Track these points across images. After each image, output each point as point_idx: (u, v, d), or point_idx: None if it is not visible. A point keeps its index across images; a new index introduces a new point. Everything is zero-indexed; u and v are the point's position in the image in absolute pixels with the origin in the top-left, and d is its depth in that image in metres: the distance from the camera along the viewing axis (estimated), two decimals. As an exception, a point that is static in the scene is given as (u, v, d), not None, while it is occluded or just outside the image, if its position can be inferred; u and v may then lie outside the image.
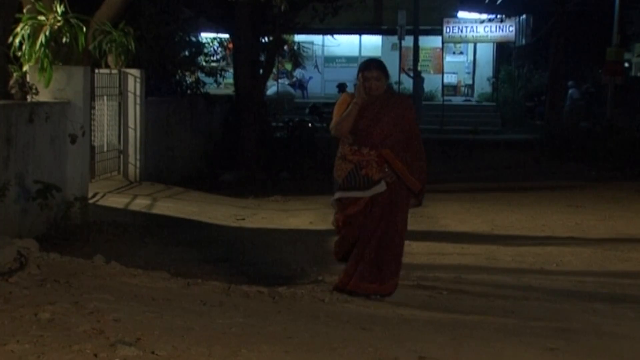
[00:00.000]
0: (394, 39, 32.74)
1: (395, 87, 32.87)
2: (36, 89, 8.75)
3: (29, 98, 8.77)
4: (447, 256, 8.80)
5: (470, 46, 36.12)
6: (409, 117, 6.50)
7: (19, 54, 8.68)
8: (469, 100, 35.52)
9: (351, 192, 6.39)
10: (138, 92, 12.85)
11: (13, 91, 8.69)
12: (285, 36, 22.42)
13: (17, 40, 8.58)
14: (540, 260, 8.56)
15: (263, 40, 19.23)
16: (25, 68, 8.76)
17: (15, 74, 8.70)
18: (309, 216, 11.47)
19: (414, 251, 9.01)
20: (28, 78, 8.85)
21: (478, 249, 9.17)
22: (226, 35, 22.10)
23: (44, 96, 8.88)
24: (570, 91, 27.00)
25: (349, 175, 6.39)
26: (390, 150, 6.40)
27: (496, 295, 6.83)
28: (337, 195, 6.45)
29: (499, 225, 10.93)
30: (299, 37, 29.13)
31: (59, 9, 8.68)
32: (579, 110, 26.77)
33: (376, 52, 35.75)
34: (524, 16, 35.41)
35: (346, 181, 6.40)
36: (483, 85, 36.18)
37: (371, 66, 6.46)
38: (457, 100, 35.08)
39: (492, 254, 8.90)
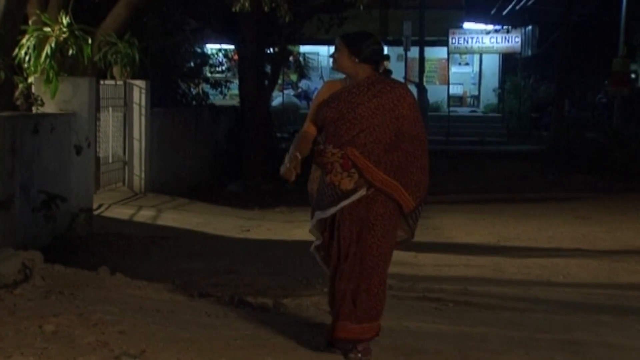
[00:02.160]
0: (400, 49, 32.73)
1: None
2: (41, 100, 8.75)
3: (34, 109, 8.77)
4: (453, 268, 8.77)
5: (476, 57, 36.10)
6: (402, 109, 4.83)
7: (25, 65, 8.69)
8: (474, 111, 35.48)
9: (327, 209, 4.86)
10: (143, 103, 12.85)
11: (18, 102, 8.70)
12: (291, 47, 22.46)
13: (22, 52, 8.59)
14: (546, 272, 8.52)
15: (268, 51, 19.25)
16: (31, 79, 8.77)
17: (20, 85, 8.71)
18: (314, 227, 11.43)
19: (420, 262, 8.99)
20: (33, 89, 8.86)
21: (484, 260, 9.13)
22: (231, 47, 22.13)
23: (49, 107, 8.88)
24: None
25: (321, 187, 4.90)
26: (365, 151, 4.78)
27: (502, 307, 6.80)
28: (318, 216, 4.94)
29: (505, 237, 10.89)
30: (304, 48, 29.16)
31: (65, 20, 8.69)
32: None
33: (382, 63, 35.78)
34: (530, 27, 35.38)
35: (320, 195, 4.91)
36: (489, 96, 36.15)
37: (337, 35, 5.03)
38: (463, 111, 35.05)
39: (499, 265, 8.86)
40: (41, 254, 6.86)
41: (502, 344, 5.37)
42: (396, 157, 4.81)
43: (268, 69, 19.22)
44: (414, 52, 31.42)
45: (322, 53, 33.37)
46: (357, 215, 4.82)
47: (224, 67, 22.25)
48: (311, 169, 4.97)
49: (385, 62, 4.96)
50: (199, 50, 19.43)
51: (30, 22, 9.23)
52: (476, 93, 36.79)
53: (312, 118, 4.95)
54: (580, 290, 7.75)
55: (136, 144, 12.91)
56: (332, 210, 4.85)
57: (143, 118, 12.91)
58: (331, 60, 4.98)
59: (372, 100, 4.83)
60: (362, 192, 4.81)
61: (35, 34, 8.67)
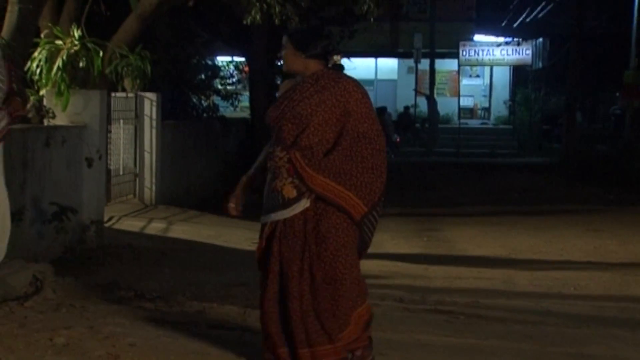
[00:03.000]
0: (410, 62, 32.81)
1: (411, 110, 32.94)
2: (53, 112, 8.77)
3: (45, 122, 8.79)
4: (464, 280, 8.74)
5: (487, 69, 36.14)
6: (349, 105, 4.31)
7: (36, 78, 8.72)
8: (485, 123, 35.48)
9: (266, 215, 4.45)
10: (154, 116, 12.88)
11: (30, 115, 8.72)
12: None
13: (34, 65, 8.62)
14: (558, 285, 8.48)
15: (279, 64, 19.29)
16: (42, 92, 8.79)
17: (32, 98, 8.72)
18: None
19: (431, 275, 8.97)
20: (45, 102, 8.88)
21: (495, 273, 9.10)
22: (242, 59, 22.17)
23: (60, 120, 8.90)
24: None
25: (268, 191, 4.46)
26: (308, 154, 4.31)
27: (514, 320, 6.75)
28: (261, 220, 4.53)
29: (516, 249, 10.85)
30: (342, 64, 29.16)
31: (76, 33, 8.72)
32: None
33: (392, 75, 35.85)
34: (541, 39, 35.39)
35: (266, 199, 4.48)
36: (499, 108, 36.15)
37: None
38: (474, 123, 35.05)
39: (510, 278, 8.83)
40: (52, 266, 6.86)
41: (513, 357, 5.34)
42: (336, 158, 4.28)
43: (279, 81, 19.25)
44: (424, 64, 31.49)
45: (341, 63, 33.35)
46: (303, 229, 4.33)
47: (234, 79, 22.29)
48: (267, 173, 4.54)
49: (336, 57, 4.51)
50: (209, 62, 19.47)
51: (42, 35, 9.26)
52: (487, 105, 36.82)
53: None
54: (592, 303, 7.71)
55: (147, 156, 12.93)
56: (273, 216, 4.40)
57: (154, 130, 12.93)
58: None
59: (314, 96, 4.33)
60: (305, 202, 4.32)
61: (47, 47, 8.69)
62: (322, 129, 4.30)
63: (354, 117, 4.32)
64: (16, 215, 7.34)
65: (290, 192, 4.35)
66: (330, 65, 4.44)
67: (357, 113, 4.32)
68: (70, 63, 8.67)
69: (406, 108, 33.01)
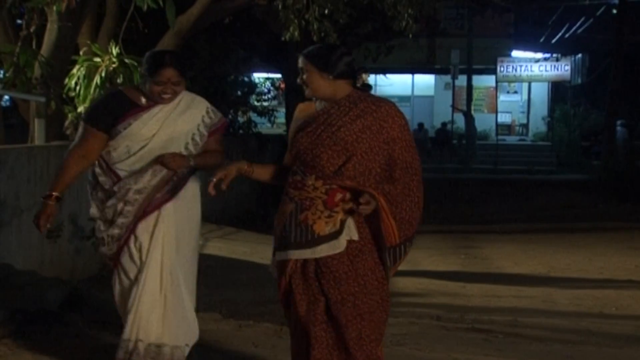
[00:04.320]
0: (447, 78, 32.71)
1: (448, 126, 32.83)
2: (90, 129, 8.81)
3: (83, 138, 8.83)
4: (503, 298, 8.64)
5: (525, 85, 35.93)
6: (392, 131, 3.97)
7: (74, 95, 8.78)
8: (523, 140, 35.24)
9: (285, 252, 4.01)
10: (191, 132, 12.90)
11: (68, 132, 8.78)
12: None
13: (72, 82, 8.68)
14: (599, 304, 8.36)
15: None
16: (80, 109, 8.84)
17: (70, 115, 8.79)
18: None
19: (469, 293, 8.89)
20: (83, 119, 8.93)
21: (534, 291, 9.00)
22: (278, 75, 22.22)
23: (98, 136, 8.95)
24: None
25: (289, 224, 4.00)
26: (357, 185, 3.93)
27: (553, 339, 6.67)
28: (280, 256, 4.07)
29: (555, 268, 10.73)
30: (371, 84, 29.17)
31: (114, 50, 8.78)
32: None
33: (429, 92, 35.76)
34: (580, 55, 35.14)
35: (284, 232, 4.03)
36: (538, 124, 35.90)
37: (299, 54, 4.21)
38: (512, 139, 34.83)
39: (549, 296, 8.72)
40: (89, 282, 6.89)
41: (554, 378, 5.26)
42: (397, 189, 3.94)
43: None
44: (461, 80, 31.37)
45: (369, 81, 33.37)
46: (338, 269, 3.94)
47: (270, 96, 22.36)
48: (282, 201, 4.09)
49: (364, 75, 4.16)
50: (246, 78, 19.54)
51: (81, 52, 9.33)
52: (525, 121, 36.59)
53: (289, 147, 4.16)
54: (633, 322, 7.58)
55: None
56: (303, 253, 3.96)
57: (191, 147, 12.95)
58: (305, 87, 4.10)
59: (356, 122, 3.96)
60: (343, 241, 3.92)
61: (85, 64, 8.75)
62: (368, 158, 3.93)
63: (400, 144, 3.97)
64: (54, 232, 7.39)
65: (322, 228, 3.93)
66: (359, 85, 4.10)
67: (402, 140, 3.97)
68: (109, 80, 8.72)
69: (443, 124, 32.90)
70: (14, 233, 6.95)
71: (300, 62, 4.08)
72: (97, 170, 4.45)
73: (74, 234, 7.90)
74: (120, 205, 4.39)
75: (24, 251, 7.06)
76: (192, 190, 4.62)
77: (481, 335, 6.66)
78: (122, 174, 4.39)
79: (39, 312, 5.82)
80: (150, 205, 4.41)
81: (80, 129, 4.45)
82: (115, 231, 4.43)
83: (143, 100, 4.40)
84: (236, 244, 11.74)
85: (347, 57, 4.08)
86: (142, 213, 4.40)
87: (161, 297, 4.40)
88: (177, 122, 4.42)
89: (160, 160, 4.35)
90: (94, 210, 4.52)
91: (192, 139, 4.49)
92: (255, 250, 11.46)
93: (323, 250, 3.92)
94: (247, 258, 10.83)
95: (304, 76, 4.05)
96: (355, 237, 3.92)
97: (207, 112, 4.55)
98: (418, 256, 11.54)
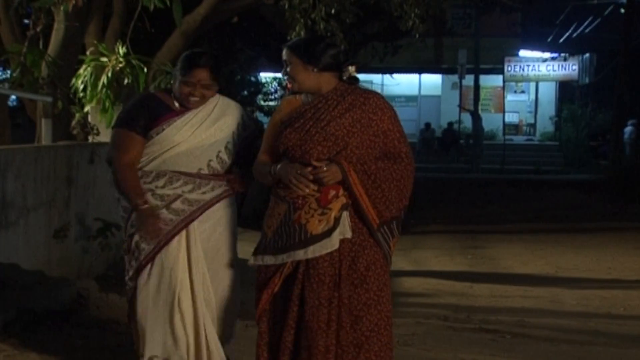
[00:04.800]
0: (454, 77, 32.66)
1: (455, 126, 32.78)
2: (97, 129, 8.82)
3: (90, 138, 8.85)
4: (510, 299, 8.62)
5: (532, 85, 35.87)
6: (383, 124, 3.90)
7: (81, 95, 8.78)
8: (530, 140, 35.18)
9: (280, 255, 3.87)
10: (198, 132, 12.89)
11: (75, 132, 8.78)
12: (345, 75, 22.46)
13: (79, 82, 8.68)
14: (606, 304, 8.33)
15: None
16: (87, 109, 8.85)
17: (77, 115, 8.79)
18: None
19: (476, 293, 8.87)
20: (89, 119, 8.94)
21: (541, 291, 8.97)
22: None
23: (104, 137, 8.94)
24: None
25: (281, 226, 3.89)
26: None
27: (561, 339, 6.65)
28: (252, 260, 4.03)
29: (562, 268, 10.70)
30: (358, 76, 29.15)
31: (121, 50, 8.78)
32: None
33: (436, 91, 35.72)
34: (588, 55, 35.06)
35: (277, 235, 3.91)
36: (545, 124, 35.83)
37: (283, 46, 4.05)
38: (519, 139, 34.78)
39: (556, 297, 8.70)
40: (96, 282, 6.88)
41: (562, 379, 5.24)
42: (377, 168, 3.84)
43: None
44: (468, 79, 31.33)
45: (375, 81, 33.36)
46: (334, 271, 3.80)
47: (277, 95, 22.37)
48: (271, 202, 3.99)
49: (350, 68, 4.03)
50: (252, 78, 19.55)
51: (87, 52, 9.34)
52: (532, 121, 36.53)
53: (266, 143, 4.05)
54: (641, 323, 7.56)
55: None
56: (295, 255, 3.81)
57: (198, 147, 12.95)
58: (289, 81, 4.01)
59: (345, 115, 3.85)
60: (336, 241, 3.78)
61: (92, 63, 8.75)
62: (359, 152, 3.84)
63: (391, 136, 3.90)
64: (61, 232, 7.39)
65: (315, 227, 3.78)
66: (345, 78, 3.98)
67: (394, 132, 3.91)
68: (115, 80, 8.72)
69: (450, 124, 32.86)
70: (20, 233, 6.95)
71: (284, 54, 3.98)
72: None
73: (81, 234, 7.89)
74: (164, 211, 4.13)
75: (30, 251, 7.06)
76: (223, 208, 4.29)
77: (488, 336, 6.64)
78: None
79: (45, 312, 5.82)
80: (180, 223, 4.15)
81: (115, 137, 4.21)
82: (144, 245, 4.15)
83: (176, 104, 4.19)
84: (243, 244, 11.62)
85: (332, 48, 3.99)
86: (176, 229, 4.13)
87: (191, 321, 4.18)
88: (209, 129, 4.17)
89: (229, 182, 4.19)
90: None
91: (226, 147, 4.22)
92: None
93: (316, 250, 3.78)
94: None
95: (288, 69, 3.96)
96: (349, 234, 3.81)
97: (242, 119, 4.31)
98: (425, 256, 11.52)
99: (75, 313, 6.06)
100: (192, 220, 4.14)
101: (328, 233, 3.79)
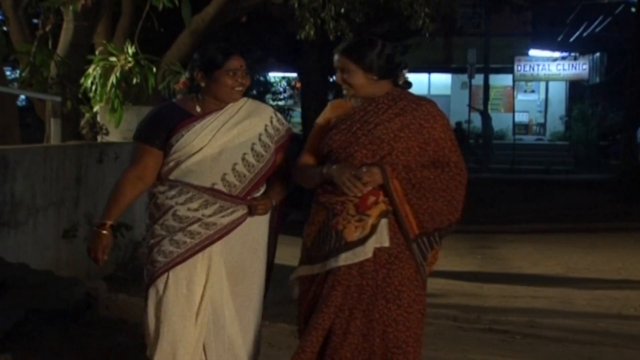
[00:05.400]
0: (464, 77, 32.63)
1: (464, 126, 32.73)
2: (106, 129, 8.83)
3: (99, 138, 8.85)
4: (520, 299, 8.59)
5: (542, 84, 35.80)
6: (434, 131, 3.76)
7: (90, 94, 8.78)
8: (540, 139, 35.11)
9: (316, 265, 3.75)
10: (207, 132, 12.88)
11: (84, 132, 8.79)
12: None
13: (88, 81, 8.69)
14: (617, 305, 8.29)
15: (331, 79, 19.31)
16: (96, 108, 8.85)
17: (86, 115, 8.80)
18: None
19: (486, 294, 8.84)
20: (99, 118, 8.95)
21: (552, 292, 8.94)
22: (294, 74, 22.22)
23: (113, 136, 8.95)
24: None
25: (320, 233, 3.75)
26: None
27: (572, 340, 6.62)
28: (297, 272, 3.88)
29: (573, 268, 10.66)
30: (411, 81, 29.16)
31: (130, 50, 8.78)
32: None
33: (446, 91, 35.68)
34: (598, 54, 34.96)
35: (315, 244, 3.78)
36: (555, 123, 35.76)
37: (335, 50, 3.87)
38: (529, 139, 34.72)
39: (567, 297, 8.66)
40: (105, 282, 6.88)
41: (572, 380, 5.21)
42: (423, 176, 3.70)
43: (330, 96, 19.26)
44: (478, 79, 31.28)
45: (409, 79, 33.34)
46: (363, 279, 3.65)
47: (286, 95, 22.39)
48: (312, 209, 3.85)
49: (404, 72, 3.93)
50: (262, 78, 19.56)
51: (96, 52, 9.34)
52: (542, 121, 36.46)
53: (310, 146, 3.90)
54: (652, 323, 7.52)
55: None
56: (330, 264, 3.66)
57: (207, 146, 12.95)
58: (345, 87, 3.85)
59: (394, 120, 3.72)
60: (371, 248, 3.63)
61: (101, 63, 8.76)
62: (405, 158, 3.69)
63: (443, 145, 3.75)
64: (70, 232, 7.39)
65: (351, 234, 3.64)
66: (400, 83, 3.88)
67: (446, 140, 3.76)
68: (124, 79, 8.73)
69: (458, 124, 32.79)
70: (29, 233, 6.94)
71: (340, 61, 3.81)
72: (158, 188, 3.96)
73: (90, 234, 7.90)
74: (179, 234, 3.87)
75: (39, 251, 7.06)
76: (251, 225, 3.97)
77: (498, 336, 6.62)
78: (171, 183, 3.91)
79: (54, 312, 5.81)
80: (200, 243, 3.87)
81: (134, 149, 4.01)
82: (159, 258, 3.94)
83: (198, 109, 3.90)
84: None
85: (388, 49, 3.83)
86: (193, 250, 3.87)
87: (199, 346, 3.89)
88: (232, 130, 3.88)
89: (251, 209, 3.86)
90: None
91: (252, 149, 3.89)
92: (288, 253, 11.42)
93: (348, 258, 3.63)
94: (277, 261, 10.79)
95: (345, 76, 3.81)
96: (386, 243, 3.64)
97: (272, 121, 3.97)
98: (435, 256, 11.48)
99: (84, 313, 6.06)
100: (209, 245, 3.85)
101: (362, 241, 3.63)
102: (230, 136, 3.87)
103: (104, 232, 3.94)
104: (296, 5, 9.97)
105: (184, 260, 3.86)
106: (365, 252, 3.63)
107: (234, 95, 3.90)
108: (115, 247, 8.00)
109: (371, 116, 3.75)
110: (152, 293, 3.95)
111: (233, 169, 3.86)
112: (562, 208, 18.08)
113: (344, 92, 3.88)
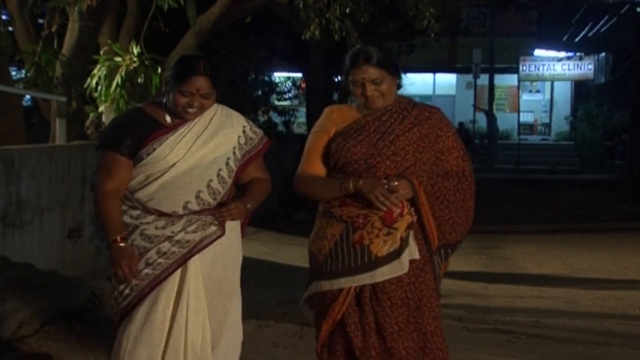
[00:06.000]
0: (469, 77, 32.58)
1: (467, 126, 32.69)
2: (111, 129, 8.83)
3: (104, 138, 8.86)
4: (525, 299, 8.57)
5: (547, 84, 35.73)
6: (448, 140, 3.74)
7: (95, 94, 8.80)
8: (546, 139, 35.05)
9: (336, 280, 3.59)
10: (212, 132, 12.88)
11: (89, 132, 8.80)
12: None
13: (93, 82, 8.70)
14: (622, 305, 8.27)
15: (336, 79, 19.31)
16: (101, 109, 8.86)
17: (91, 115, 8.81)
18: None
19: (491, 294, 8.83)
20: (103, 118, 8.96)
21: (557, 292, 8.92)
22: (299, 74, 22.21)
23: (119, 136, 8.96)
24: None
25: (336, 247, 3.62)
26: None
27: (577, 340, 6.60)
28: (312, 290, 3.72)
29: (578, 268, 10.64)
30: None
31: (135, 50, 8.78)
32: None
33: (450, 91, 35.64)
34: (603, 54, 34.90)
35: (330, 259, 3.63)
36: (560, 123, 35.69)
37: (360, 59, 3.67)
38: (534, 139, 34.66)
39: (572, 297, 8.64)
40: (110, 282, 6.88)
41: (578, 380, 5.20)
42: (444, 186, 3.69)
43: (335, 97, 19.25)
44: (483, 79, 31.24)
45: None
46: (403, 291, 3.58)
47: (291, 95, 22.38)
48: (320, 223, 3.74)
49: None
50: (267, 78, 19.56)
51: (101, 52, 9.35)
52: (547, 121, 36.39)
53: (316, 155, 3.74)
54: (658, 324, 7.50)
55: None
56: (360, 279, 3.55)
57: (212, 146, 12.95)
58: (367, 95, 3.66)
59: (413, 130, 3.64)
60: (405, 262, 3.56)
61: (106, 63, 8.77)
62: (427, 168, 3.64)
63: (456, 154, 3.73)
64: (75, 232, 7.40)
65: (380, 248, 3.54)
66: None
67: (457, 149, 3.74)
68: (129, 79, 8.73)
69: (460, 124, 32.73)
70: (35, 232, 6.96)
71: (378, 73, 3.63)
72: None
73: (95, 234, 7.90)
74: (151, 254, 3.63)
75: (45, 251, 7.07)
76: (226, 239, 3.78)
77: (503, 336, 6.61)
78: (141, 203, 3.65)
79: (59, 312, 5.82)
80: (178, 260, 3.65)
81: (99, 160, 3.70)
82: (134, 280, 3.65)
83: (168, 119, 3.67)
84: (256, 244, 11.72)
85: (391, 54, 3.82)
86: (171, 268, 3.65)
87: None
88: (208, 145, 3.66)
89: (217, 216, 3.67)
90: None
91: (227, 164, 3.70)
92: (275, 250, 11.43)
93: (385, 273, 3.54)
94: (268, 258, 10.80)
95: (383, 87, 3.66)
96: (417, 255, 3.59)
97: (245, 132, 3.79)
98: (440, 256, 11.47)
99: (89, 313, 6.07)
100: (183, 263, 3.63)
101: (396, 254, 3.56)
102: (206, 151, 3.66)
103: (121, 244, 3.61)
104: (301, 6, 9.96)
105: (159, 282, 3.62)
106: (403, 266, 3.56)
107: (185, 115, 3.64)
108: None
109: (389, 126, 3.65)
110: (126, 319, 3.69)
111: (208, 186, 3.66)
112: (567, 208, 18.05)
113: (356, 100, 3.73)
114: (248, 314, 6.98)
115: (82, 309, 6.12)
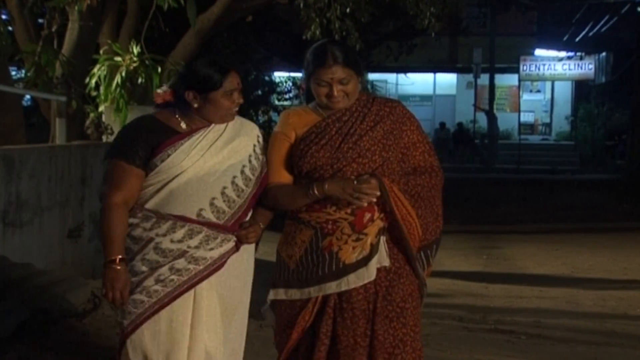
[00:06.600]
0: (469, 77, 32.60)
1: (470, 125, 32.70)
2: (111, 129, 8.83)
3: (104, 138, 8.86)
4: (525, 299, 8.57)
5: (548, 84, 35.73)
6: (412, 135, 3.58)
7: (95, 94, 8.79)
8: (546, 139, 35.06)
9: (306, 289, 3.49)
10: (213, 132, 12.88)
11: (89, 131, 8.79)
12: (360, 75, 22.49)
13: (93, 81, 8.69)
14: (623, 305, 8.27)
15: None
16: (101, 108, 8.86)
17: (91, 115, 8.80)
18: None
19: (491, 294, 8.82)
20: (104, 118, 8.95)
21: (557, 292, 8.92)
22: (299, 74, 22.19)
23: (119, 136, 8.96)
24: None
25: (307, 255, 3.51)
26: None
27: (577, 340, 6.60)
28: (272, 295, 3.67)
29: (578, 268, 10.64)
30: (372, 76, 29.17)
31: (135, 49, 8.78)
32: None
33: (451, 90, 35.65)
34: (604, 54, 34.90)
35: (301, 266, 3.53)
36: (561, 123, 35.70)
37: (328, 58, 3.46)
38: (534, 139, 34.67)
39: (572, 297, 8.64)
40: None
41: (578, 381, 5.20)
42: (418, 183, 3.55)
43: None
44: (484, 79, 31.25)
45: (390, 81, 33.37)
46: (368, 302, 3.44)
47: (291, 95, 22.39)
48: (289, 228, 3.62)
49: None
50: (267, 78, 19.56)
51: (101, 52, 9.35)
52: (548, 120, 36.40)
53: (280, 163, 3.57)
54: (659, 324, 7.49)
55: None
56: (326, 287, 3.42)
57: (212, 146, 12.95)
58: (332, 95, 3.48)
59: (376, 128, 3.47)
60: (373, 270, 3.40)
61: (106, 63, 8.76)
62: (392, 167, 3.47)
63: (422, 148, 3.56)
64: (75, 232, 7.40)
65: (349, 255, 3.41)
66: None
67: (423, 144, 3.57)
68: (129, 79, 8.73)
69: (459, 124, 32.73)
70: (35, 233, 6.95)
71: (345, 72, 3.47)
72: (131, 219, 3.52)
73: (95, 234, 7.89)
74: (164, 270, 3.46)
75: (44, 251, 7.07)
76: (240, 257, 3.68)
77: (504, 337, 6.61)
78: (154, 211, 3.50)
79: (59, 312, 5.82)
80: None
81: (109, 169, 3.52)
82: (142, 297, 3.47)
83: (183, 125, 3.51)
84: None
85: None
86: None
87: None
88: (222, 151, 3.52)
89: (240, 239, 3.58)
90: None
91: (242, 172, 3.54)
92: (275, 249, 11.41)
93: (351, 282, 3.40)
94: (267, 258, 10.78)
95: (349, 87, 3.49)
96: (387, 262, 3.44)
97: (259, 140, 3.65)
98: (439, 256, 11.38)
99: (89, 313, 6.07)
100: (198, 282, 3.49)
101: (364, 262, 3.41)
102: (220, 157, 3.51)
103: (118, 267, 3.44)
104: (302, 5, 9.96)
105: (171, 300, 3.46)
106: (369, 274, 3.42)
107: (229, 118, 3.57)
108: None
109: (351, 127, 3.48)
110: (133, 338, 3.52)
111: (222, 193, 3.51)
112: (567, 208, 18.05)
113: (340, 105, 3.53)
114: (248, 314, 7.00)
115: (82, 309, 6.11)
